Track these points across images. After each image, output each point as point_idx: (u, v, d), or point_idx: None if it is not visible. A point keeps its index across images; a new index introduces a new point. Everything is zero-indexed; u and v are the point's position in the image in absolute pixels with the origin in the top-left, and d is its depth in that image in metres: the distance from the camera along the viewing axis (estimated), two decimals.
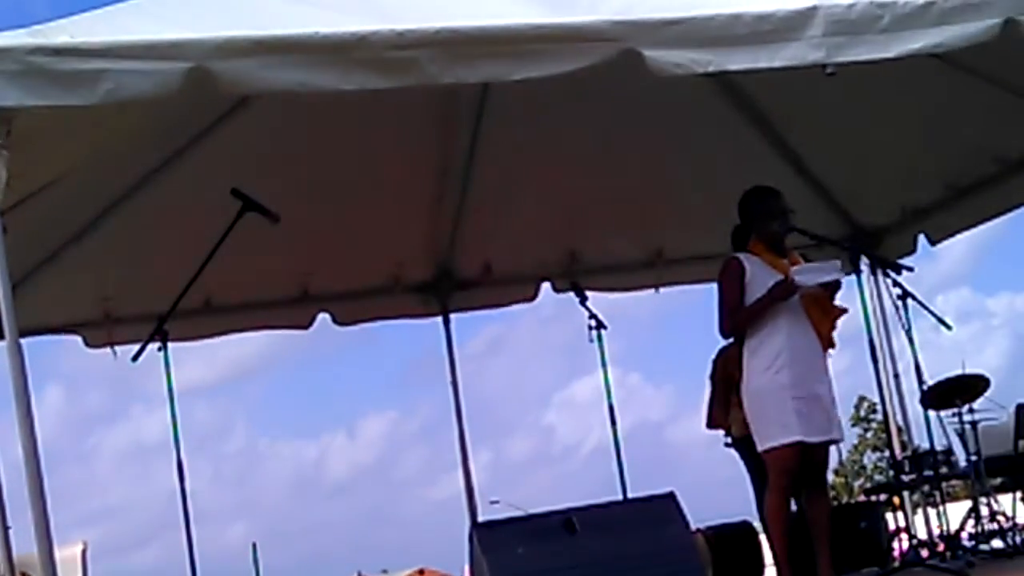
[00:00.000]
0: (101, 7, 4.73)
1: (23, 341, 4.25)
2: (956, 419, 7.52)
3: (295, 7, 4.82)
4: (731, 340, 6.15)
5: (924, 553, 7.03)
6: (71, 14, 4.54)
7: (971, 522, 7.20)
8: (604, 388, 7.72)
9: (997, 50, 5.13)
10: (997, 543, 7.12)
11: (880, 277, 8.04)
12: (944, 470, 7.36)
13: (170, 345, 6.73)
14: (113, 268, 7.52)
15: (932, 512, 8.06)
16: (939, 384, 7.36)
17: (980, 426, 7.53)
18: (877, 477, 34.93)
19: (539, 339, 58.81)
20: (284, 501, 54.78)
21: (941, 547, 7.04)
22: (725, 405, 7.11)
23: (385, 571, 26.88)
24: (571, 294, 7.86)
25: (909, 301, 6.89)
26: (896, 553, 7.36)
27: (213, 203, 6.54)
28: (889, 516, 7.76)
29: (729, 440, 7.24)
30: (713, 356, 7.25)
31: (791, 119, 8.16)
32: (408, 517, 52.84)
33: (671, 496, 6.27)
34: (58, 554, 4.26)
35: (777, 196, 6.06)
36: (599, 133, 7.86)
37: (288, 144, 7.23)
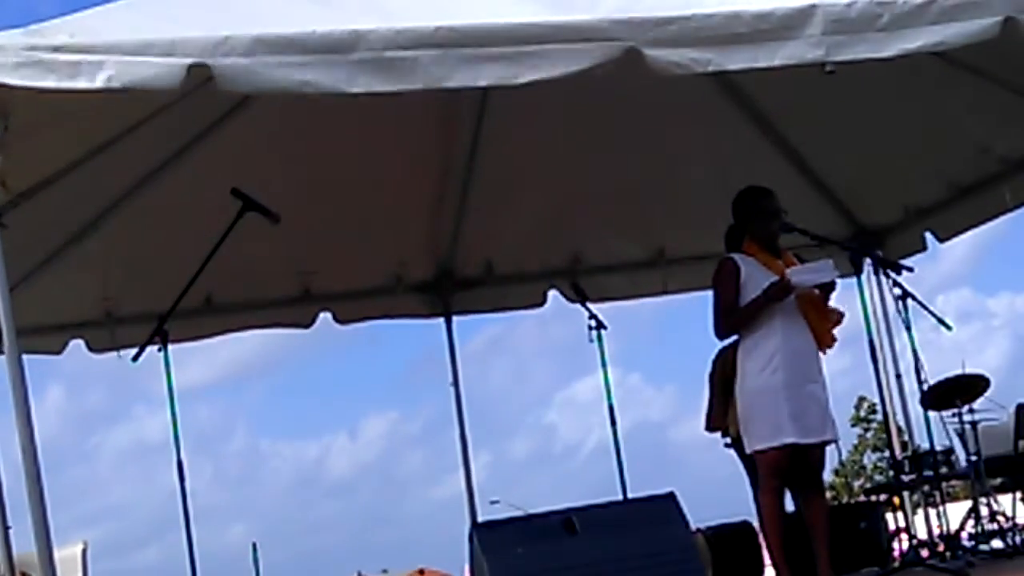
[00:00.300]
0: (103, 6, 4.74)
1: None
2: (956, 419, 7.53)
3: (297, 6, 4.82)
4: (731, 340, 6.14)
5: (924, 553, 7.03)
6: None
7: (971, 522, 7.20)
8: (604, 388, 7.73)
9: (998, 49, 5.13)
10: (997, 543, 7.12)
11: (881, 277, 8.04)
12: (944, 470, 7.37)
13: (171, 345, 6.72)
14: (114, 268, 7.52)
15: (932, 512, 8.07)
16: (939, 384, 7.36)
17: (980, 426, 7.54)
18: (877, 477, 34.91)
19: (540, 339, 58.80)
20: (285, 501, 54.83)
21: (941, 547, 7.04)
22: (725, 406, 7.10)
23: (385, 571, 26.82)
24: (572, 294, 7.87)
25: (909, 301, 6.89)
26: (896, 553, 7.37)
27: (214, 203, 6.54)
28: (889, 516, 7.76)
29: (728, 440, 7.24)
30: (713, 357, 7.25)
31: (793, 118, 8.16)
32: (408, 517, 52.90)
33: (671, 496, 6.27)
34: (58, 554, 4.26)
35: (770, 196, 6.06)
36: (600, 133, 7.86)
37: (289, 143, 7.24)
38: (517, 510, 16.43)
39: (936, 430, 7.59)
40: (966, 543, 7.09)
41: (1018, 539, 7.04)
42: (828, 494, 9.84)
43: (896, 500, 8.05)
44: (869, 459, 41.32)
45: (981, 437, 7.48)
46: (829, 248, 7.62)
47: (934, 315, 6.97)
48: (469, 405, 8.75)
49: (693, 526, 6.81)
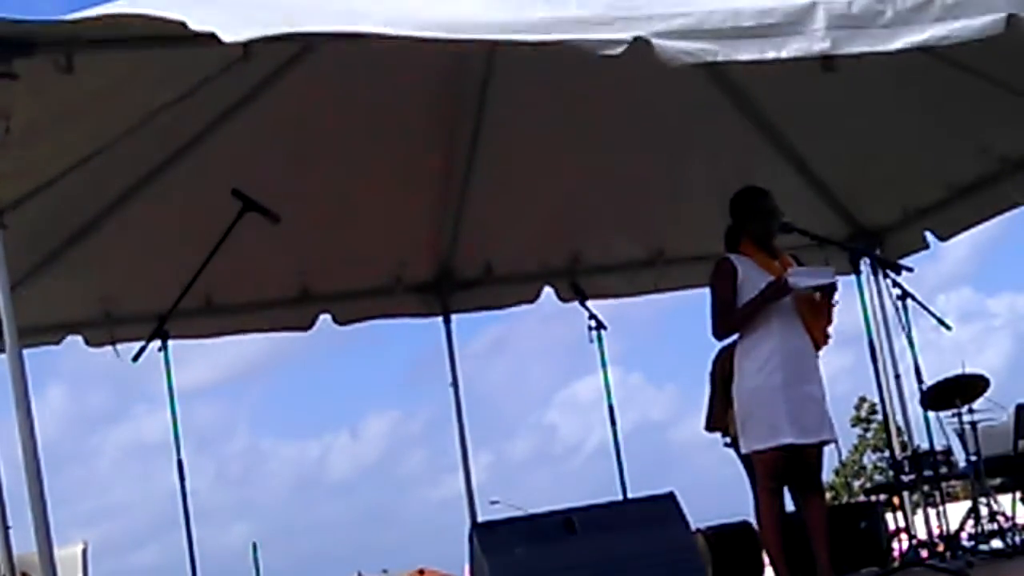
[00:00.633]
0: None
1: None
2: (956, 419, 7.53)
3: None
4: (732, 340, 6.15)
5: (924, 553, 7.04)
6: None
7: (971, 522, 7.20)
8: (604, 389, 7.73)
9: (999, 48, 5.13)
10: (997, 543, 7.12)
11: (880, 277, 8.04)
12: (944, 470, 7.37)
13: (172, 345, 6.73)
14: (114, 268, 7.52)
15: (932, 512, 8.07)
16: (938, 384, 7.36)
17: (980, 426, 7.54)
18: (877, 477, 34.91)
19: (541, 339, 58.82)
20: (285, 501, 54.82)
21: (941, 547, 7.04)
22: (725, 406, 7.10)
23: (385, 571, 26.84)
24: (571, 294, 7.87)
25: (909, 301, 6.90)
26: (896, 553, 7.37)
27: (214, 203, 6.54)
28: (889, 516, 7.77)
29: (728, 440, 7.24)
30: (713, 356, 7.26)
31: (793, 119, 8.16)
32: (409, 517, 52.88)
33: (671, 496, 6.27)
34: (58, 554, 4.26)
35: (766, 196, 6.06)
36: (600, 133, 7.86)
37: (290, 144, 7.24)
38: (517, 510, 16.43)
39: (936, 430, 7.60)
40: (966, 543, 7.09)
41: (1018, 539, 7.04)
42: (828, 494, 9.85)
43: (896, 500, 8.05)
44: (869, 459, 41.31)
45: (981, 437, 7.49)
46: (828, 248, 7.65)
47: (934, 315, 6.98)
48: (470, 405, 8.76)
49: (693, 526, 6.81)
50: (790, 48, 4.79)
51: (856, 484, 34.15)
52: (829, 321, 5.96)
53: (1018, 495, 8.01)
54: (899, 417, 9.03)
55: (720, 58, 4.78)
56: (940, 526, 7.44)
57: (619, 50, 4.61)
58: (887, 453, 8.99)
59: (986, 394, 7.58)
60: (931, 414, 7.61)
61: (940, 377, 7.47)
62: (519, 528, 6.20)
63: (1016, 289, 54.42)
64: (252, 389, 65.89)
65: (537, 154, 7.88)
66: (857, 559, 7.19)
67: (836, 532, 6.11)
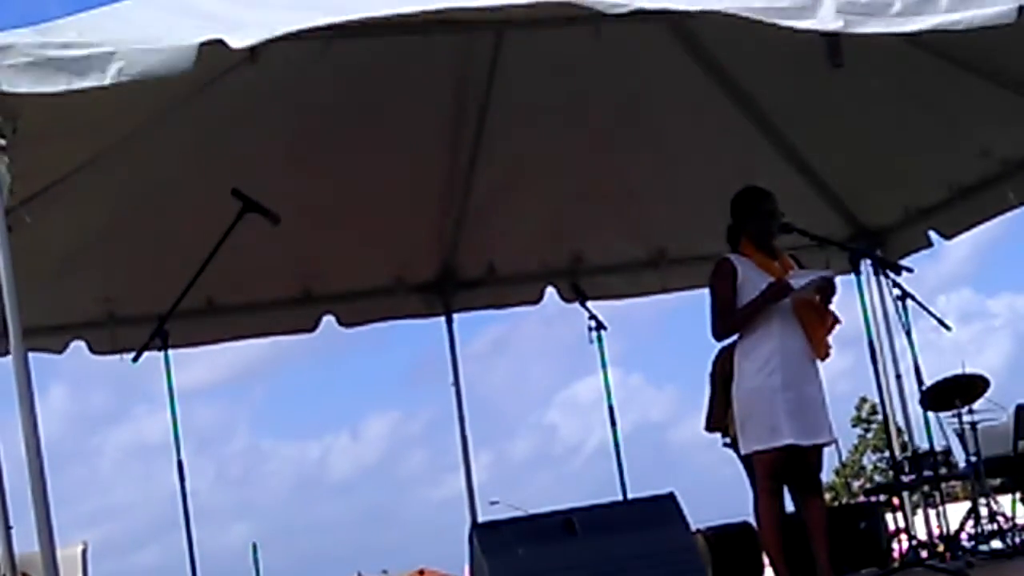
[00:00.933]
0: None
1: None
2: (956, 420, 7.53)
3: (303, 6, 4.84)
4: (732, 340, 6.15)
5: (923, 554, 7.04)
6: None
7: (970, 523, 7.21)
8: (604, 389, 7.74)
9: (1000, 48, 5.14)
10: (996, 544, 7.12)
11: (880, 278, 8.05)
12: (943, 471, 7.37)
13: (173, 348, 6.73)
14: (117, 270, 7.52)
15: (932, 513, 8.07)
16: (938, 384, 7.37)
17: (980, 427, 7.54)
18: (877, 478, 34.91)
19: (542, 339, 58.76)
20: (286, 501, 54.80)
21: (940, 548, 7.05)
22: (725, 406, 7.10)
23: (385, 571, 26.85)
24: (572, 294, 7.88)
25: (909, 302, 6.90)
26: (895, 554, 7.37)
27: (217, 204, 6.54)
28: (889, 517, 7.77)
29: (728, 440, 7.24)
30: (713, 356, 7.26)
31: (794, 119, 8.17)
32: (409, 518, 52.88)
33: (671, 497, 6.27)
34: (58, 554, 4.25)
35: (767, 197, 6.07)
36: (601, 133, 7.87)
37: (292, 145, 7.24)
38: (517, 510, 16.43)
39: (936, 431, 7.61)
40: (965, 544, 7.10)
41: (1017, 539, 7.04)
42: (828, 495, 9.85)
43: (896, 501, 8.05)
44: (869, 460, 41.31)
45: (981, 438, 7.49)
46: (828, 249, 7.65)
47: (934, 316, 6.99)
48: (470, 405, 8.77)
49: (693, 527, 6.81)
50: (803, 23, 4.78)
51: (856, 484, 34.12)
52: (832, 325, 5.96)
53: (1018, 495, 8.01)
54: (899, 418, 9.05)
55: (731, 9, 4.74)
56: (940, 527, 7.45)
57: (626, 8, 4.60)
58: (887, 453, 8.99)
59: (986, 395, 7.59)
60: (931, 414, 7.62)
61: (940, 377, 7.47)
62: (519, 528, 6.20)
63: (1016, 289, 54.42)
64: (253, 389, 65.89)
65: (540, 154, 7.89)
66: (857, 559, 7.19)
67: (836, 532, 6.12)
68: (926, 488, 7.86)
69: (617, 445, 7.66)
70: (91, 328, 7.84)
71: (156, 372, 6.67)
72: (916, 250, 8.76)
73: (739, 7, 4.74)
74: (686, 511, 6.25)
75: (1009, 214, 8.10)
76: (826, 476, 7.13)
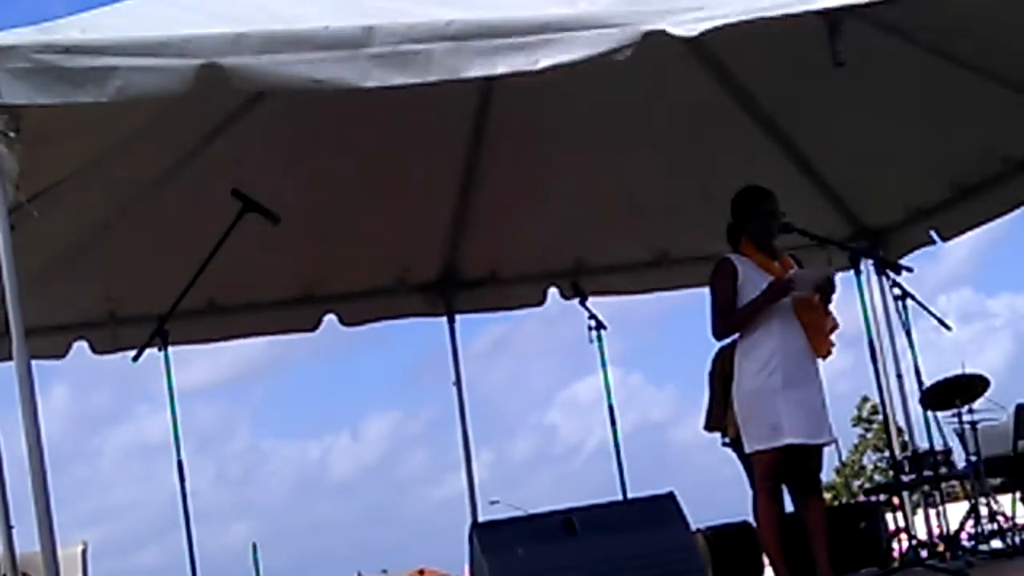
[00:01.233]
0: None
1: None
2: (956, 419, 7.53)
3: (308, 3, 4.83)
4: (731, 339, 6.15)
5: (923, 553, 7.03)
6: None
7: (970, 522, 7.21)
8: (604, 389, 7.74)
9: (1002, 47, 5.13)
10: (996, 543, 7.12)
11: (881, 278, 8.05)
12: (943, 470, 7.37)
13: (174, 346, 6.73)
14: (119, 270, 7.52)
15: (932, 512, 8.07)
16: (937, 384, 7.37)
17: (980, 426, 7.54)
18: (877, 477, 34.89)
19: (543, 339, 58.70)
20: (286, 501, 54.80)
21: (941, 547, 7.05)
22: (725, 406, 7.11)
23: (385, 571, 26.89)
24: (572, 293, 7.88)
25: (909, 302, 6.90)
26: (895, 553, 7.37)
27: (219, 205, 6.54)
28: (889, 516, 7.77)
29: (726, 440, 7.25)
30: (712, 356, 7.26)
31: (796, 118, 8.17)
32: (409, 517, 52.86)
33: (671, 496, 6.27)
34: (59, 554, 4.26)
35: (768, 197, 6.07)
36: (604, 134, 7.87)
37: (294, 145, 7.24)
38: (517, 510, 16.43)
39: (936, 431, 7.61)
40: (966, 543, 7.10)
41: (1017, 539, 7.04)
42: (828, 494, 9.85)
43: (896, 500, 8.06)
44: (869, 459, 41.29)
45: (980, 437, 7.49)
46: (829, 248, 7.65)
47: (934, 315, 6.99)
48: (471, 405, 8.77)
49: (693, 526, 6.81)
50: (803, 6, 4.76)
51: (856, 484, 34.12)
52: (831, 328, 5.96)
53: (1018, 495, 8.01)
54: (900, 417, 9.05)
55: (733, 20, 4.74)
56: (940, 526, 7.45)
57: (628, 52, 4.60)
58: (887, 453, 8.99)
59: (986, 394, 7.59)
60: (931, 414, 7.62)
61: (940, 377, 7.48)
62: (519, 528, 6.20)
63: (1016, 289, 54.41)
64: (253, 389, 65.86)
65: (542, 155, 7.89)
66: (857, 559, 7.19)
67: (836, 532, 6.12)
68: (926, 488, 7.86)
69: (617, 445, 7.66)
70: (93, 328, 7.84)
71: (157, 372, 6.68)
72: (917, 248, 8.76)
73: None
74: (686, 511, 6.25)
75: (1010, 214, 8.11)
76: (826, 476, 7.14)
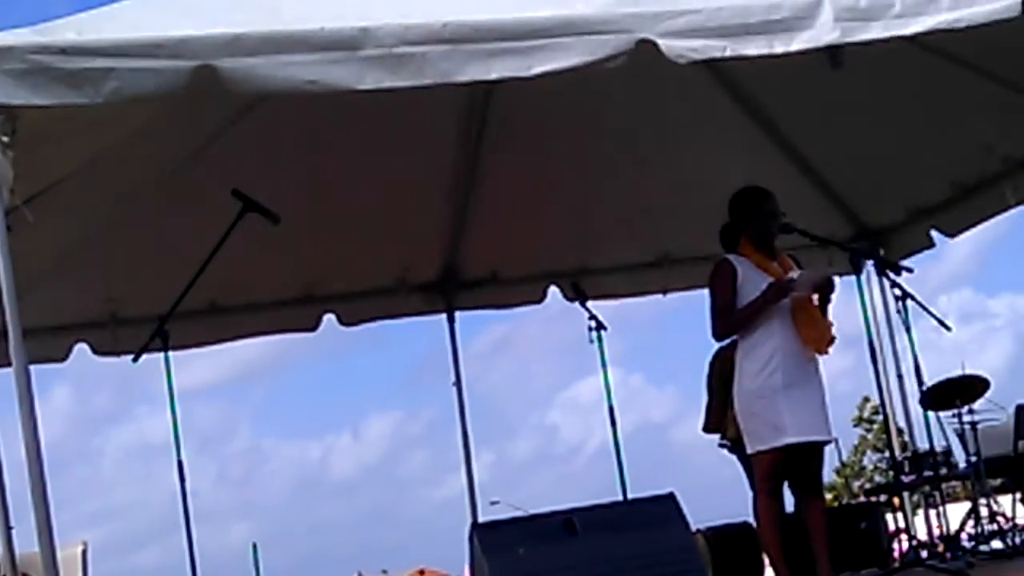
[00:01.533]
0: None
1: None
2: (956, 420, 7.54)
3: (308, 2, 4.83)
4: (729, 340, 6.15)
5: (924, 554, 7.04)
6: None
7: (971, 523, 7.21)
8: (604, 389, 7.74)
9: (1003, 47, 5.12)
10: (997, 544, 7.13)
11: (881, 278, 8.05)
12: (944, 471, 7.37)
13: (175, 350, 6.73)
14: (120, 270, 7.52)
15: (932, 513, 8.07)
16: (938, 385, 7.37)
17: (980, 427, 7.54)
18: (877, 478, 34.87)
19: (544, 339, 58.64)
20: (287, 501, 54.75)
21: (941, 548, 7.05)
22: (724, 406, 7.11)
23: (385, 571, 26.85)
24: (572, 293, 7.88)
25: (909, 302, 6.90)
26: (896, 554, 7.37)
27: (220, 205, 6.54)
28: (889, 517, 7.77)
29: (725, 442, 7.24)
30: (710, 358, 7.26)
31: (796, 119, 8.17)
32: (410, 517, 52.81)
33: (671, 497, 6.27)
34: (58, 555, 4.26)
35: (768, 198, 6.06)
36: (604, 135, 7.87)
37: (295, 145, 7.24)
38: (517, 510, 16.43)
39: (936, 431, 7.61)
40: (966, 544, 7.10)
41: (1018, 540, 7.04)
42: (829, 494, 9.84)
43: (896, 501, 8.06)
44: (869, 460, 41.27)
45: (981, 438, 7.49)
46: (829, 249, 7.65)
47: (934, 316, 6.99)
48: (472, 405, 8.78)
49: (693, 527, 6.81)
50: (799, 40, 4.77)
51: (856, 485, 34.11)
52: (829, 339, 5.95)
53: (1018, 496, 8.00)
54: (901, 418, 9.05)
55: (728, 53, 4.76)
56: (940, 527, 7.45)
57: (622, 60, 4.61)
58: (887, 454, 9.00)
59: (986, 395, 7.59)
60: (931, 414, 7.62)
61: (940, 378, 7.48)
62: (519, 528, 6.20)
63: (1016, 290, 54.33)
64: (254, 389, 65.76)
65: (543, 155, 7.89)
66: (857, 560, 7.19)
67: (836, 532, 6.12)
68: (926, 488, 7.86)
69: (617, 445, 7.65)
70: (93, 329, 7.84)
71: (158, 372, 6.68)
72: (918, 250, 8.76)
73: (738, 23, 4.73)
74: (686, 511, 6.25)
75: (1010, 213, 8.12)
76: (827, 476, 7.13)
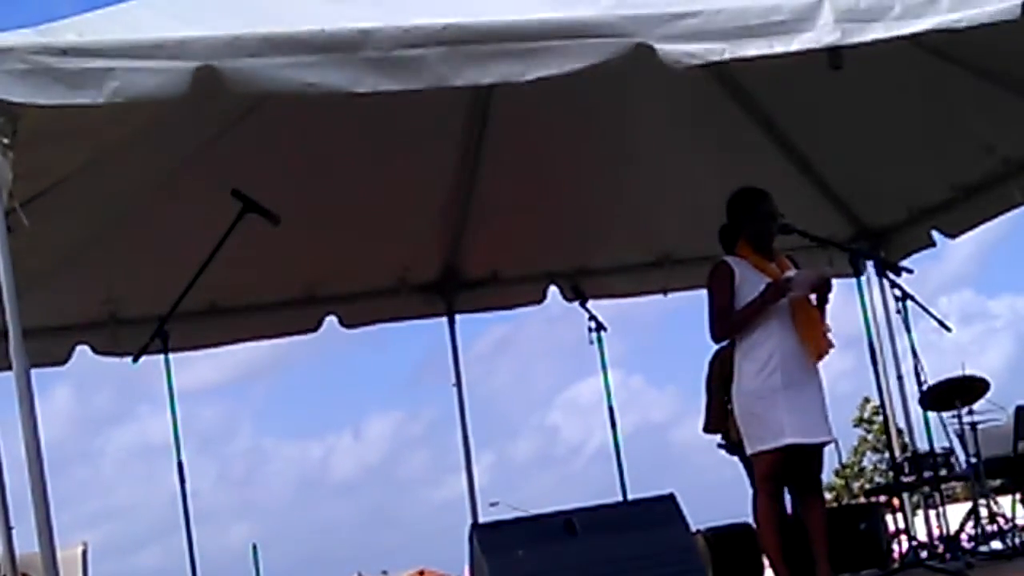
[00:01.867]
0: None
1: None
2: (956, 421, 7.53)
3: (305, 3, 4.83)
4: (728, 341, 6.15)
5: (923, 555, 7.04)
6: None
7: (971, 524, 7.20)
8: (604, 390, 7.74)
9: (1003, 47, 5.12)
10: (996, 545, 7.12)
11: (882, 279, 8.05)
12: (944, 472, 7.37)
13: (175, 352, 6.73)
14: (120, 271, 7.52)
15: (932, 514, 8.07)
16: (938, 385, 7.36)
17: (980, 428, 7.54)
18: (877, 479, 34.87)
19: (546, 339, 58.60)
20: (288, 502, 54.75)
21: (941, 549, 7.04)
22: (724, 407, 7.11)
23: (385, 572, 26.90)
24: (572, 294, 7.88)
25: (909, 303, 6.90)
26: (896, 555, 7.37)
27: (220, 206, 6.54)
28: (889, 518, 7.76)
29: (724, 443, 7.24)
30: (709, 358, 7.26)
31: (796, 119, 8.18)
32: (410, 518, 52.83)
33: (671, 497, 6.27)
34: (58, 555, 4.26)
35: (766, 198, 6.06)
36: (604, 135, 7.87)
37: (295, 145, 7.24)
38: (517, 511, 16.39)
39: (937, 432, 7.61)
40: (966, 544, 7.10)
41: (1018, 540, 7.04)
42: (828, 495, 9.84)
43: (896, 501, 8.05)
44: (869, 460, 41.27)
45: (981, 439, 7.49)
46: (829, 250, 7.65)
47: (934, 317, 6.98)
48: (473, 406, 8.79)
49: (693, 527, 6.82)
50: (799, 41, 4.77)
51: (856, 485, 34.10)
52: (825, 327, 5.95)
53: (1018, 496, 8.00)
54: (901, 419, 9.05)
55: (727, 56, 4.76)
56: (940, 527, 7.44)
57: (618, 65, 4.62)
58: (888, 454, 9.00)
59: (986, 396, 7.59)
60: (931, 415, 7.62)
61: (940, 378, 7.47)
62: (519, 529, 6.21)
63: (1017, 290, 54.39)
64: (256, 389, 65.79)
65: (543, 156, 7.89)
66: (857, 560, 7.19)
67: (836, 533, 6.12)
68: (926, 489, 7.86)
69: (617, 446, 7.66)
70: (94, 330, 7.84)
71: (159, 372, 6.68)
72: (919, 250, 8.76)
73: (737, 26, 4.73)
74: (686, 512, 6.25)
75: (1011, 214, 8.12)
76: (827, 477, 7.13)
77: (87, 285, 7.48)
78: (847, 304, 7.67)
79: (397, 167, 7.70)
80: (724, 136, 8.12)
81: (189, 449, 6.56)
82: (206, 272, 6.54)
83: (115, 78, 4.23)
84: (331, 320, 8.44)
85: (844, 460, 7.82)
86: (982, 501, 7.25)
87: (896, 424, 9.10)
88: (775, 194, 6.16)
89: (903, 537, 7.43)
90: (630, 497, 7.39)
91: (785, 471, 5.84)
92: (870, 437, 41.01)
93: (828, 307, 6.01)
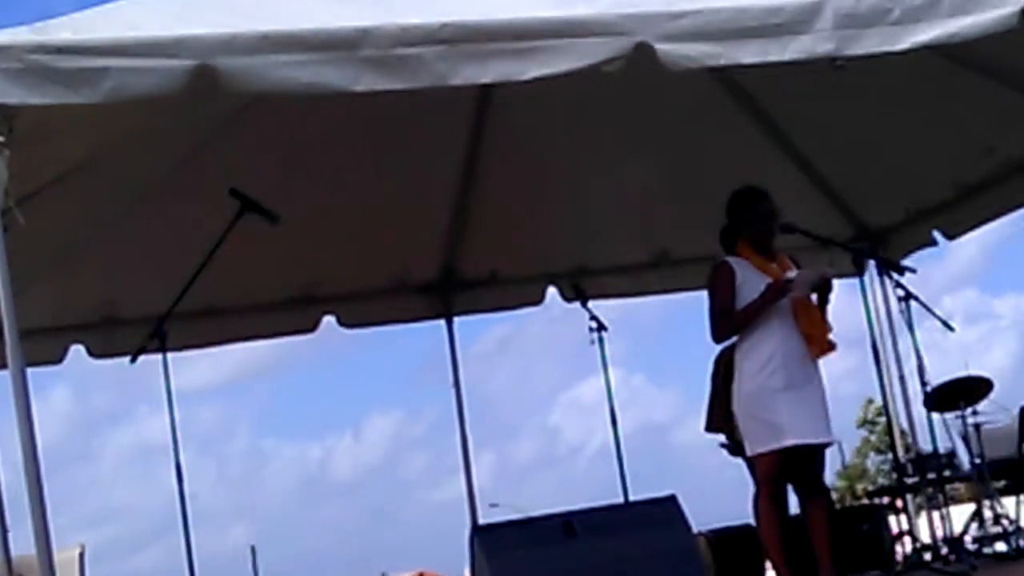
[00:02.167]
0: None
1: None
2: (960, 421, 7.51)
3: (306, 2, 4.81)
4: (733, 340, 6.12)
5: (927, 556, 7.01)
6: None
7: (974, 525, 7.18)
8: (605, 390, 7.72)
9: (1005, 46, 5.10)
10: (1000, 546, 7.10)
11: (884, 279, 8.03)
12: (947, 473, 7.34)
13: (173, 352, 6.71)
14: (117, 271, 7.50)
15: (935, 515, 8.03)
16: (942, 386, 7.34)
17: (984, 429, 7.52)
18: (880, 480, 34.87)
19: (546, 340, 58.71)
20: (287, 502, 54.83)
21: (944, 550, 7.02)
22: (727, 407, 7.07)
23: (385, 574, 26.85)
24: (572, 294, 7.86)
25: (912, 302, 6.88)
26: (899, 556, 7.35)
27: (218, 206, 6.52)
28: (892, 519, 7.74)
29: (728, 443, 7.21)
30: (715, 357, 7.23)
31: (797, 119, 8.16)
32: (410, 519, 52.87)
33: (672, 499, 6.26)
34: (55, 557, 4.23)
35: (765, 198, 6.04)
36: (604, 135, 7.85)
37: (294, 145, 7.22)
38: (517, 513, 16.38)
39: (940, 433, 7.58)
40: (969, 546, 7.08)
41: (1021, 542, 7.01)
42: (832, 496, 9.81)
43: (899, 503, 8.03)
44: (872, 462, 41.27)
45: (984, 440, 7.47)
46: (831, 250, 7.62)
47: (937, 317, 6.96)
48: (474, 406, 8.78)
49: (695, 529, 6.79)
50: (794, 49, 4.77)
51: (859, 487, 34.10)
52: (827, 327, 5.93)
53: (1022, 498, 7.98)
54: (904, 419, 9.01)
55: (723, 62, 4.77)
56: (943, 529, 7.41)
57: (618, 64, 4.59)
58: (891, 455, 8.98)
59: (990, 396, 7.57)
60: (935, 416, 7.59)
61: (944, 379, 7.45)
62: (520, 531, 6.20)
63: (1021, 290, 54.47)
64: (255, 390, 65.87)
65: (541, 155, 7.87)
66: (860, 562, 7.16)
67: (839, 535, 6.09)
68: (930, 490, 7.83)
69: (618, 446, 7.64)
70: (89, 330, 7.82)
71: (157, 373, 6.64)
72: (919, 249, 8.74)
73: (736, 27, 4.71)
74: (688, 513, 6.24)
75: (1017, 214, 8.10)
76: (830, 478, 7.11)
77: (83, 285, 7.46)
78: (850, 304, 7.64)
79: (396, 167, 7.69)
80: (724, 135, 8.10)
81: (188, 450, 6.56)
82: (203, 272, 6.51)
83: (111, 77, 4.22)
84: (331, 321, 8.42)
85: (847, 461, 7.79)
86: (986, 502, 7.23)
87: (899, 425, 9.07)
88: (775, 193, 6.14)
89: (906, 539, 7.40)
90: (631, 498, 7.38)
91: (786, 472, 5.81)
92: (873, 438, 41.01)
93: (829, 307, 5.98)
